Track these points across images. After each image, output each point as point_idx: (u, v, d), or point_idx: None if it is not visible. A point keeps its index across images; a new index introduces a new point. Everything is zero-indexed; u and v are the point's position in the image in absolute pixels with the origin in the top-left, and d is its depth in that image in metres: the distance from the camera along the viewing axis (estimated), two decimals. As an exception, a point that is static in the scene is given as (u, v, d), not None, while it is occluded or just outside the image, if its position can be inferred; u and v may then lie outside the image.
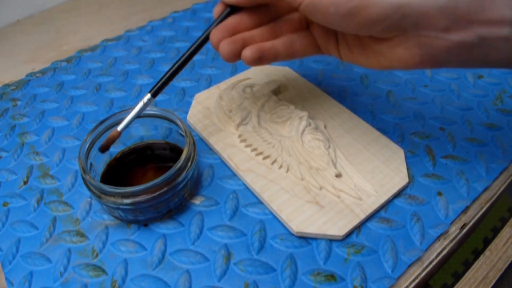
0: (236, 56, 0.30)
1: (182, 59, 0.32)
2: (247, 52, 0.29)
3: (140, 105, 0.32)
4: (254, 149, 0.37)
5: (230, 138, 0.39)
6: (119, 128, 0.33)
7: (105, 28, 0.59)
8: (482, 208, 0.34)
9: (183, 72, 0.49)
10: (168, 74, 0.32)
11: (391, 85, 0.46)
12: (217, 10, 0.30)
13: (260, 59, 0.30)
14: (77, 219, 0.34)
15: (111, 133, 0.33)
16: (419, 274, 0.30)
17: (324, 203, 0.33)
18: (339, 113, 0.41)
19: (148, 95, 0.32)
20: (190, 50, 0.32)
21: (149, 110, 0.35)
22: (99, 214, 0.35)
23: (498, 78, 0.46)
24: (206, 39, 0.31)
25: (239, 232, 0.33)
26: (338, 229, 0.32)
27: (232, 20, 0.30)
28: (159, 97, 0.46)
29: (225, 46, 0.29)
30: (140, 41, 0.55)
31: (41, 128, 0.43)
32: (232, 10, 0.30)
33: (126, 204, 0.30)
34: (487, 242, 0.34)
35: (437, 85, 0.45)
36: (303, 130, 0.38)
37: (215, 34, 0.30)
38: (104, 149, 0.33)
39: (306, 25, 0.32)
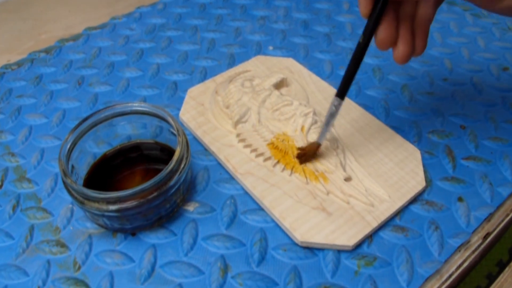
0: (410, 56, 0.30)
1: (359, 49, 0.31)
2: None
3: (332, 109, 0.33)
4: (254, 150, 0.37)
5: (227, 138, 0.39)
6: (320, 137, 0.34)
7: (88, 15, 0.59)
8: (507, 215, 0.34)
9: (174, 63, 0.50)
10: (350, 65, 0.31)
11: (407, 78, 0.46)
12: (366, 7, 0.30)
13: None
14: (57, 227, 0.34)
15: (311, 145, 0.35)
16: (438, 289, 0.30)
17: (332, 209, 0.33)
18: (349, 109, 0.41)
19: (336, 98, 0.32)
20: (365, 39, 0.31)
21: (137, 106, 0.35)
22: (82, 222, 0.35)
23: (525, 71, 0.46)
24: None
25: (237, 242, 0.33)
26: (347, 238, 0.32)
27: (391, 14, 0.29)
28: (148, 91, 0.46)
29: (402, 47, 0.30)
30: (127, 29, 0.55)
31: (17, 126, 0.43)
32: (383, 5, 0.29)
33: (112, 211, 0.30)
34: (513, 253, 0.34)
35: (457, 78, 0.45)
36: (309, 129, 0.38)
37: (384, 32, 0.30)
38: (304, 160, 0.35)
39: None
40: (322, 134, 0.34)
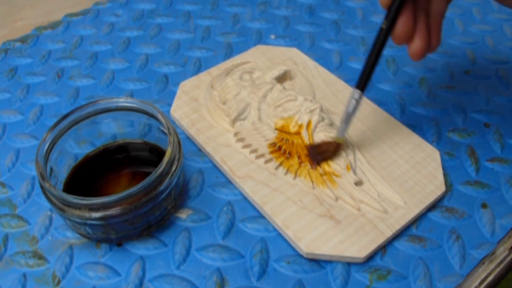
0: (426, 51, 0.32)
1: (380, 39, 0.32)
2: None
3: (352, 104, 0.33)
4: (254, 150, 0.37)
5: (224, 137, 0.39)
6: (339, 134, 0.35)
7: (68, 0, 0.59)
8: (537, 223, 0.34)
9: (164, 54, 0.50)
10: (372, 52, 0.33)
11: (425, 70, 0.46)
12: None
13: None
14: (34, 237, 0.34)
15: (332, 143, 0.35)
16: (459, 306, 0.30)
17: (341, 217, 0.33)
18: (360, 106, 0.41)
19: (357, 91, 0.33)
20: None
21: (124, 102, 0.35)
22: (62, 231, 0.35)
23: (557, 62, 0.46)
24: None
25: (235, 254, 0.33)
26: (358, 249, 0.32)
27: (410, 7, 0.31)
28: (135, 85, 0.46)
29: (419, 42, 0.31)
30: (112, 16, 0.55)
31: (-11, 124, 0.43)
32: None
33: (95, 219, 0.30)
34: (543, 265, 0.34)
35: (481, 71, 0.45)
36: (315, 127, 0.38)
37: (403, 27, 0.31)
38: (319, 160, 0.35)
39: None
40: (341, 131, 0.35)
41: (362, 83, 0.33)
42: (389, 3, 0.30)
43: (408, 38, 0.31)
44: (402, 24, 0.31)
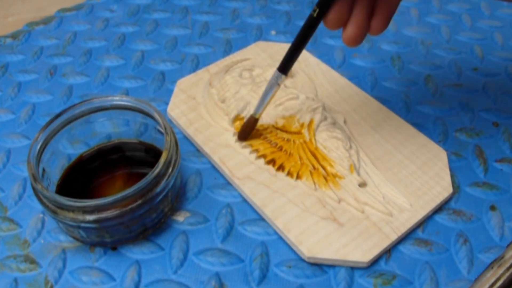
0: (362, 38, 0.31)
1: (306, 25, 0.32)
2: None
3: (270, 82, 0.35)
4: (254, 151, 0.37)
5: (223, 137, 0.39)
6: (255, 110, 0.36)
7: (61, -6, 0.59)
8: (547, 226, 0.34)
9: (161, 50, 0.50)
10: (298, 38, 0.33)
11: (431, 67, 0.46)
12: None
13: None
14: (26, 240, 0.34)
15: (248, 119, 0.37)
16: (467, 312, 0.30)
17: (344, 220, 0.33)
18: (363, 104, 0.41)
19: (277, 73, 0.34)
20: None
21: (119, 101, 0.35)
22: (54, 234, 0.35)
23: None
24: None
25: (234, 258, 0.33)
26: (362, 253, 0.32)
27: None
28: (131, 83, 0.46)
29: (351, 29, 0.30)
30: (106, 11, 0.55)
31: (-21, 123, 0.43)
32: None
33: (89, 222, 0.30)
34: (554, 270, 0.34)
35: (489, 68, 0.45)
36: (317, 126, 0.38)
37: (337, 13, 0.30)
38: (242, 137, 0.37)
39: None
40: (258, 107, 0.36)
41: (284, 66, 0.34)
42: None
43: (341, 24, 0.30)
44: (335, 11, 0.30)
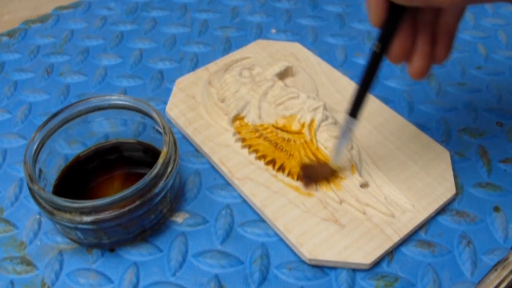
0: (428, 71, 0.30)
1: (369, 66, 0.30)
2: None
3: (343, 129, 0.32)
4: (254, 151, 0.37)
5: (223, 137, 0.39)
6: (333, 159, 0.33)
7: (58, -8, 0.59)
8: (552, 228, 0.34)
9: (159, 49, 0.50)
10: (364, 78, 0.31)
11: (434, 66, 0.46)
12: (377, 14, 0.28)
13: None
14: (22, 242, 0.34)
15: (326, 167, 0.34)
16: (470, 315, 0.30)
17: (346, 221, 0.33)
18: (365, 103, 0.41)
19: (348, 117, 0.32)
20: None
21: (116, 100, 0.35)
22: (51, 236, 0.35)
23: None
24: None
25: (234, 259, 0.33)
26: (364, 255, 0.32)
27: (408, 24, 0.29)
28: (129, 82, 0.46)
29: (418, 62, 0.29)
30: (104, 9, 0.55)
31: (-25, 123, 0.43)
32: (398, 13, 0.28)
33: (86, 223, 0.30)
34: (559, 272, 0.34)
35: (493, 67, 0.45)
36: (318, 126, 0.38)
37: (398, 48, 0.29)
38: (309, 182, 0.34)
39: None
40: (335, 154, 0.33)
41: (352, 109, 0.32)
42: (382, 20, 0.28)
43: (407, 58, 0.29)
44: (398, 44, 0.29)
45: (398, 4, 0.26)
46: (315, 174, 0.35)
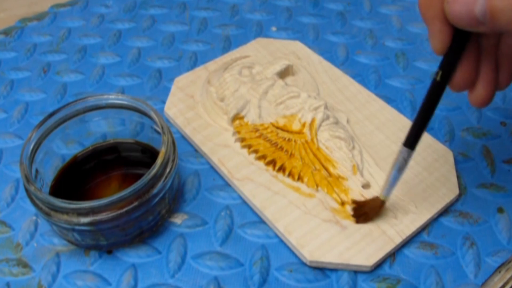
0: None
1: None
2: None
3: (399, 162, 0.31)
4: (254, 151, 0.37)
5: (222, 136, 0.39)
6: (384, 193, 0.32)
7: (55, -11, 0.59)
8: (557, 229, 0.34)
9: (158, 47, 0.50)
10: (425, 106, 0.30)
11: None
12: (442, 41, 0.27)
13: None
14: (19, 243, 0.34)
15: (377, 200, 0.33)
16: (473, 317, 0.31)
17: (347, 223, 0.33)
18: (367, 102, 0.41)
19: (404, 149, 0.31)
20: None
21: (114, 99, 0.35)
22: (48, 237, 0.35)
23: None
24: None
25: (233, 261, 0.33)
26: (366, 257, 0.32)
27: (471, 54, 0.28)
28: (127, 81, 0.46)
29: (484, 90, 0.29)
30: (102, 6, 0.55)
31: (-30, 122, 0.43)
32: (463, 39, 0.27)
33: (84, 224, 0.30)
34: None
35: (497, 66, 0.45)
36: (319, 126, 0.38)
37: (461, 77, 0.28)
38: (361, 217, 0.33)
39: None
40: (388, 189, 0.32)
41: (411, 141, 0.30)
42: (446, 48, 0.27)
43: (470, 85, 0.29)
44: (462, 72, 0.28)
45: (464, 30, 0.26)
46: (367, 210, 0.33)
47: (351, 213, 0.33)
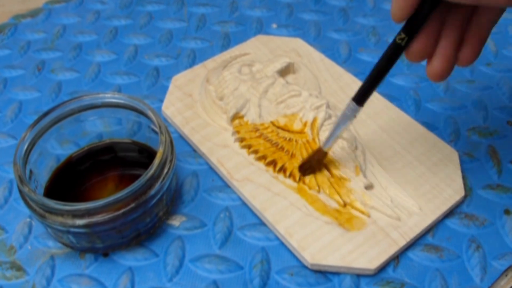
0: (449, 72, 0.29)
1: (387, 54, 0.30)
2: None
3: (344, 114, 0.32)
4: (254, 151, 0.37)
5: (221, 136, 0.39)
6: (325, 146, 0.34)
7: (50, -15, 0.59)
8: None
9: (155, 45, 0.50)
10: (380, 65, 0.30)
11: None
12: (404, 7, 0.27)
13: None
14: (12, 246, 0.34)
15: (314, 152, 0.34)
16: (479, 322, 0.31)
17: (350, 225, 0.33)
18: (370, 101, 0.41)
19: (352, 103, 0.32)
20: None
21: (110, 98, 0.35)
22: (42, 240, 0.35)
23: None
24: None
25: (233, 264, 0.33)
26: (369, 260, 0.32)
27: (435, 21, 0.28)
28: (123, 79, 0.46)
29: (437, 63, 0.29)
30: (97, 3, 0.55)
31: (-38, 122, 0.43)
32: (430, 6, 0.27)
33: (79, 227, 0.30)
34: None
35: (504, 63, 0.45)
36: (321, 125, 0.38)
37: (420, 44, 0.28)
38: (304, 170, 0.35)
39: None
40: (328, 139, 0.34)
41: (359, 97, 0.31)
42: (405, 18, 0.27)
43: (427, 57, 0.29)
44: (421, 41, 0.28)
45: None
46: (313, 163, 0.35)
47: (298, 168, 0.35)
